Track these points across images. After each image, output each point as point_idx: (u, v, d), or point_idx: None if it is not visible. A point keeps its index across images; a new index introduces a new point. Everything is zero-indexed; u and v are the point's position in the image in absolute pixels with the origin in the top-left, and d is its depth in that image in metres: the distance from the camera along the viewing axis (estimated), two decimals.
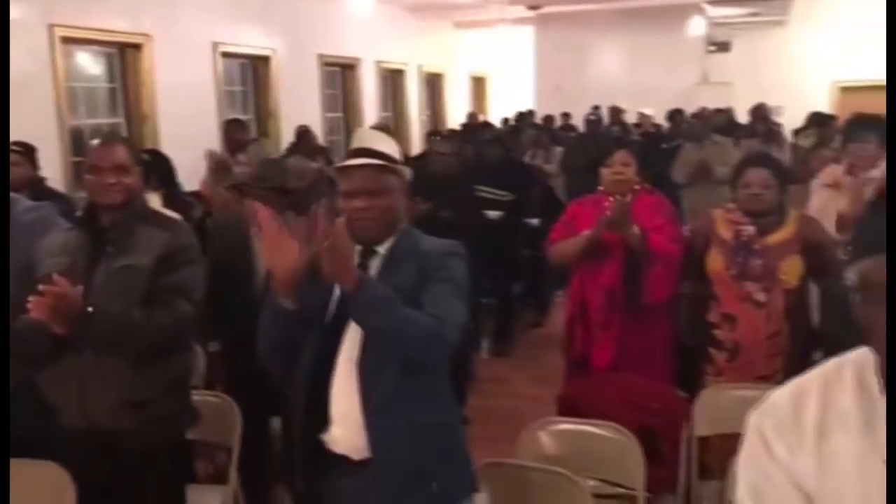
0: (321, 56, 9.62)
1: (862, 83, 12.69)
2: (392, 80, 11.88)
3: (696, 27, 12.91)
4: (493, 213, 5.33)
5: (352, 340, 1.89)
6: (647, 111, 10.64)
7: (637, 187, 3.30)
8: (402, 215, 2.01)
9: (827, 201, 3.79)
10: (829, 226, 3.57)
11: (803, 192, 4.19)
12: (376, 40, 10.94)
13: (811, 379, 1.22)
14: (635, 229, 3.08)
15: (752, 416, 1.25)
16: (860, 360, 1.17)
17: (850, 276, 1.12)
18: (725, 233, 3.05)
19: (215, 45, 7.69)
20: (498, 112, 13.25)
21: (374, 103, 11.06)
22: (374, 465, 1.90)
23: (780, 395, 1.24)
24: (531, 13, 12.21)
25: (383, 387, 1.87)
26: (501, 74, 15.29)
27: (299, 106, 8.92)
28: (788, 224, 3.01)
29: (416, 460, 1.91)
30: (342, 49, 10.09)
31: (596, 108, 10.54)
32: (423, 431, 1.91)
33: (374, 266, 1.96)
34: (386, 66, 11.38)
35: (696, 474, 2.81)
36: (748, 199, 3.01)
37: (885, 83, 12.57)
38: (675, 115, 10.06)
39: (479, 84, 15.36)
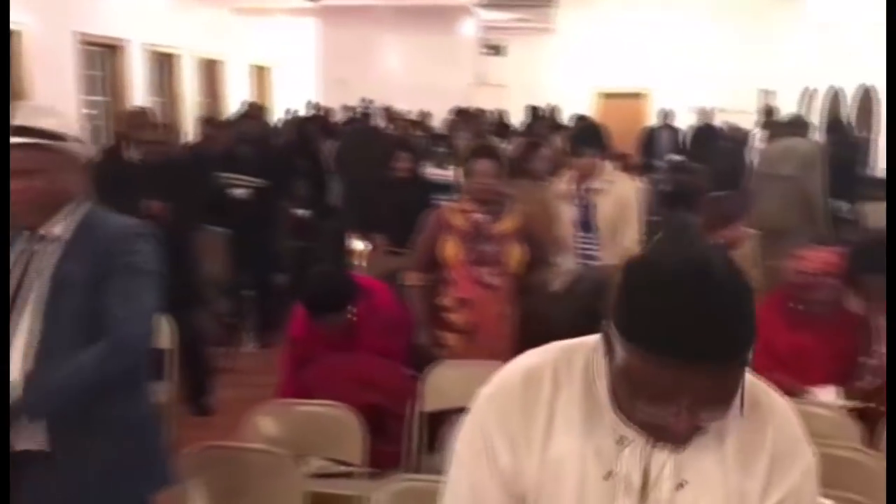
0: (80, 34, 8.96)
1: (619, 90, 13.96)
2: (164, 64, 11.33)
3: (468, 29, 13.45)
4: (239, 192, 5.25)
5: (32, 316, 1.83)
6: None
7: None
8: (70, 196, 1.90)
9: (563, 209, 3.88)
10: (567, 233, 3.81)
11: (534, 187, 4.38)
12: (145, 22, 10.38)
13: (543, 367, 1.17)
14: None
15: (481, 396, 1.20)
16: (591, 357, 1.15)
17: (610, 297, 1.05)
18: (458, 221, 3.22)
19: None
20: (282, 102, 13.06)
21: (143, 87, 10.48)
22: (55, 458, 1.86)
23: (512, 379, 1.18)
24: (311, 4, 12.14)
25: None
26: (285, 65, 15.07)
27: (51, 86, 8.26)
28: (513, 215, 3.23)
29: (96, 454, 1.88)
30: (105, 28, 9.46)
31: (366, 100, 10.60)
32: (104, 426, 1.89)
33: (50, 252, 1.87)
34: (156, 49, 10.83)
35: (425, 448, 2.93)
36: (475, 187, 3.21)
37: (639, 91, 14.01)
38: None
39: (262, 73, 15.02)
